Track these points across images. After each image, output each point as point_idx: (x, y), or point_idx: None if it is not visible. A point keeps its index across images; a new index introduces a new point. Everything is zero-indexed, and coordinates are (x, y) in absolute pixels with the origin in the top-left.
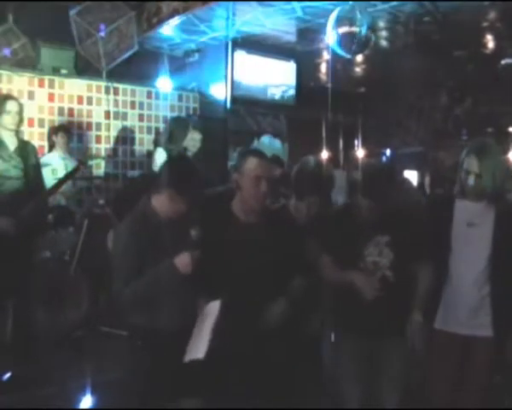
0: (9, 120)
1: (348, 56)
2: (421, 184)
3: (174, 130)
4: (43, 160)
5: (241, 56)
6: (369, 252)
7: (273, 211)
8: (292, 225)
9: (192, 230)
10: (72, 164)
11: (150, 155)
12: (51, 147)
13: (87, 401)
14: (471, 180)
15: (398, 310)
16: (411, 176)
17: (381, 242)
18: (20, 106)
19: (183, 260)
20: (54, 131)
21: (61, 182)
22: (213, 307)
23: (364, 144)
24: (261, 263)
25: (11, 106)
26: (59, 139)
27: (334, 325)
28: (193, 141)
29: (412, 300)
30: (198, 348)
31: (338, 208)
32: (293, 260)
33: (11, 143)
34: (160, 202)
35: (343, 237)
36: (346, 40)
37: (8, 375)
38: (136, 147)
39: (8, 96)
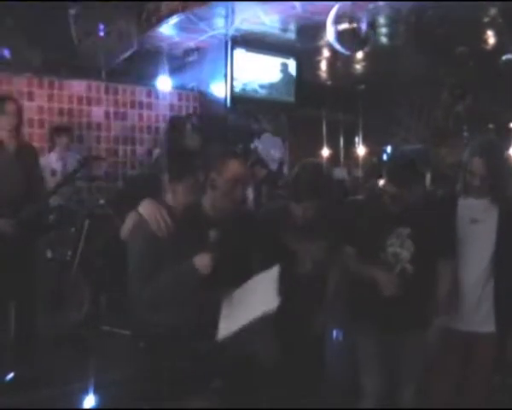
0: (7, 121)
1: (348, 53)
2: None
3: (173, 130)
4: (42, 160)
5: (240, 54)
6: (391, 243)
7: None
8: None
9: (211, 230)
10: (72, 164)
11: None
12: (50, 148)
13: (89, 400)
14: (477, 181)
15: (416, 304)
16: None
17: (404, 233)
18: (19, 107)
19: (202, 261)
20: (54, 131)
21: (61, 182)
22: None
23: (365, 142)
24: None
25: (9, 107)
26: (60, 140)
27: (352, 320)
28: (191, 141)
29: (430, 295)
30: (261, 304)
31: (362, 199)
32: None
33: (11, 144)
34: (169, 196)
35: (366, 227)
36: (346, 37)
37: (10, 376)
38: (137, 147)
39: (6, 97)
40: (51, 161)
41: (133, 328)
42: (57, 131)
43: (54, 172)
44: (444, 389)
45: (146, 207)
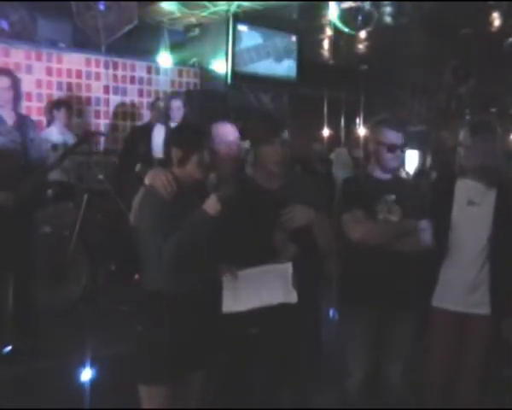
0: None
1: (351, 32)
2: (422, 163)
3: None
4: (42, 135)
5: (242, 31)
6: (380, 209)
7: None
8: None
9: (210, 176)
10: (72, 139)
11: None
12: (49, 122)
13: (86, 373)
14: (472, 161)
15: (409, 277)
16: (413, 155)
17: (389, 200)
18: (14, 80)
19: (210, 203)
20: (54, 105)
21: (62, 156)
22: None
23: (366, 122)
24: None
25: (1, 81)
26: (60, 114)
27: (344, 298)
28: (176, 110)
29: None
30: (277, 293)
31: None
32: None
33: (9, 118)
34: (175, 170)
35: (356, 198)
36: (350, 15)
37: (8, 348)
38: (136, 122)
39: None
40: (51, 135)
41: (138, 302)
42: (56, 105)
43: (55, 147)
44: (438, 371)
45: (151, 177)
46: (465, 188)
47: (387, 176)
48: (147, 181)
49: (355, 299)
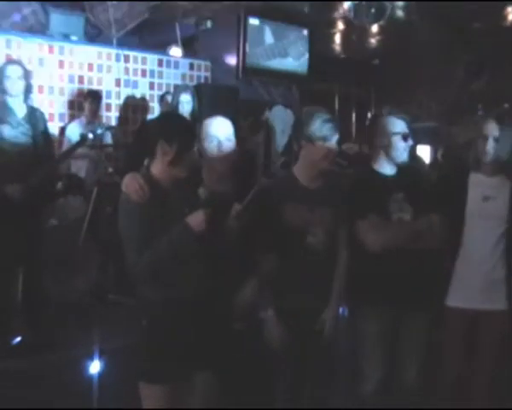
0: (10, 85)
1: (364, 25)
2: (434, 159)
3: (173, 96)
4: (69, 128)
5: (254, 25)
6: (392, 209)
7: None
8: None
9: (200, 189)
10: (99, 131)
11: None
12: (73, 116)
13: (94, 366)
14: (489, 145)
15: (424, 271)
16: (424, 151)
17: (399, 198)
18: (24, 71)
19: (196, 218)
20: (84, 97)
21: (71, 149)
22: None
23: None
24: None
25: (11, 71)
26: (87, 105)
27: (358, 296)
28: (185, 103)
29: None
30: None
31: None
32: None
33: (20, 110)
34: (157, 167)
35: (370, 198)
36: (363, 9)
37: (16, 340)
38: (147, 115)
39: (9, 61)
40: (79, 127)
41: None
42: (87, 97)
43: (83, 138)
44: (453, 370)
45: (124, 182)
46: (479, 183)
47: (394, 170)
48: (122, 187)
49: (370, 298)
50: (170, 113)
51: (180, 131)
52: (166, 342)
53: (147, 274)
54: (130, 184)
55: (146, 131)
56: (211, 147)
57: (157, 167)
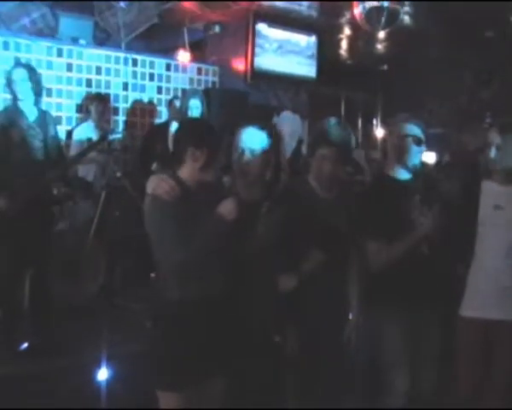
0: (16, 88)
1: (374, 31)
2: (442, 166)
3: (181, 101)
4: (76, 131)
5: (262, 30)
6: (414, 215)
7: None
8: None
9: (225, 179)
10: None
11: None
12: (81, 119)
13: (101, 372)
14: (493, 153)
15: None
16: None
17: (417, 203)
18: (31, 74)
19: (227, 206)
20: (91, 100)
21: (80, 154)
22: None
23: (384, 122)
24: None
25: (17, 74)
26: (94, 109)
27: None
28: (194, 108)
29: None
30: None
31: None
32: None
33: (30, 113)
34: (186, 171)
35: (393, 210)
36: (373, 15)
37: (24, 345)
38: (154, 119)
39: (16, 64)
40: (87, 130)
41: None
42: (94, 100)
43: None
44: (468, 380)
45: (152, 185)
46: (491, 191)
47: (408, 176)
48: (149, 189)
49: (389, 303)
50: (195, 119)
51: (209, 137)
52: (187, 348)
53: (180, 271)
54: (160, 185)
55: (174, 140)
56: (245, 156)
57: (186, 172)
